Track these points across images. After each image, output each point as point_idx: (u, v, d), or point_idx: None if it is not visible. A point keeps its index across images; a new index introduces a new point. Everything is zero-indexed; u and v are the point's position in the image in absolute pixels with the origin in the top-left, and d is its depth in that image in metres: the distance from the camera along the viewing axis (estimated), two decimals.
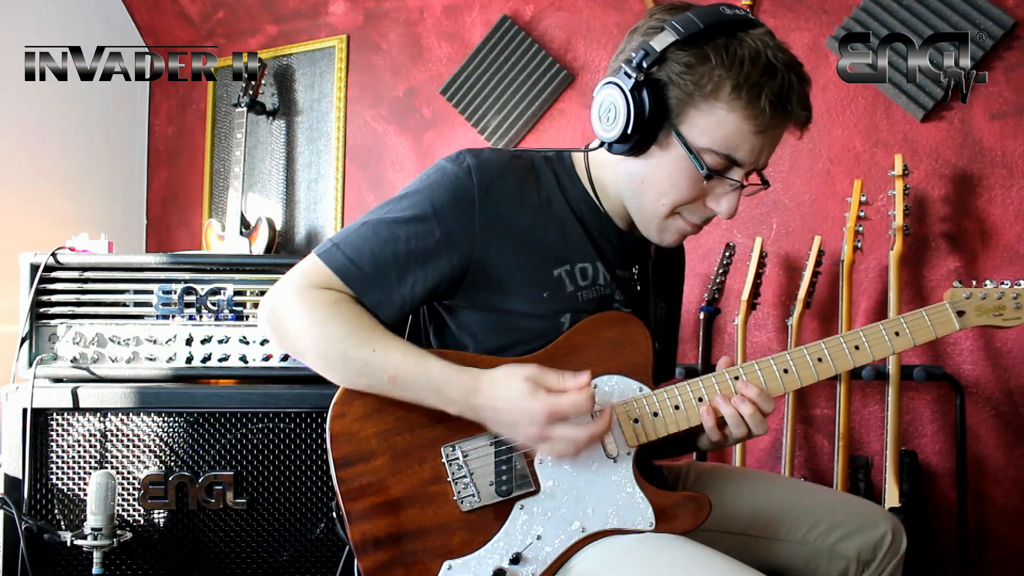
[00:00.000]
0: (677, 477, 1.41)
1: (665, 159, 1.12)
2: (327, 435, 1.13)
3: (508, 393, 1.07)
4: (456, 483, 1.12)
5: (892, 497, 2.03)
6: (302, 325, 1.11)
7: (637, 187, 1.16)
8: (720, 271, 2.40)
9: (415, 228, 1.13)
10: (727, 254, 2.40)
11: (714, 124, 1.08)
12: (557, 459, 1.11)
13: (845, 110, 2.35)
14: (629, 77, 1.08)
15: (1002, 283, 1.20)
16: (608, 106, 1.11)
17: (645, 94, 1.08)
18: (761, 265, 2.31)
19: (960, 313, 1.18)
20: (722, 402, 1.13)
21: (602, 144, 1.15)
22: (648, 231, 1.20)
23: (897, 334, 1.17)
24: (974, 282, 1.21)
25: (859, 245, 2.17)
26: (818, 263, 2.23)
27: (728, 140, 1.08)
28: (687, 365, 2.45)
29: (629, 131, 1.09)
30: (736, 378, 1.15)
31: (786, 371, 1.16)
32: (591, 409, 1.06)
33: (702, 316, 2.43)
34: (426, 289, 1.15)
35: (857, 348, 1.17)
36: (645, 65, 1.08)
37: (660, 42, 1.07)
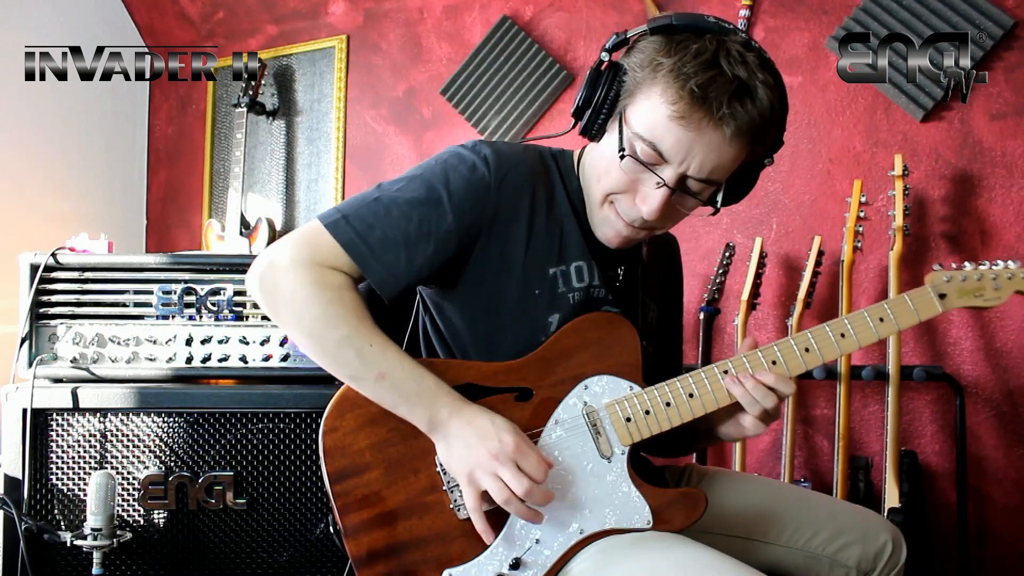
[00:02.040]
0: (679, 479, 1.41)
1: (608, 142, 1.14)
2: (320, 450, 1.12)
3: (492, 420, 1.08)
4: (452, 491, 1.12)
5: (892, 497, 2.02)
6: (300, 301, 1.10)
7: (589, 172, 1.19)
8: (720, 271, 2.40)
9: (427, 211, 1.12)
10: (727, 254, 2.40)
11: (646, 108, 1.08)
12: (472, 507, 1.07)
13: (845, 110, 2.35)
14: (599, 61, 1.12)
15: (980, 264, 1.21)
16: (580, 88, 1.15)
17: (602, 74, 1.11)
18: (761, 265, 2.31)
19: (942, 296, 1.19)
20: (732, 383, 1.14)
21: (574, 125, 1.17)
22: (593, 224, 1.20)
23: (881, 319, 1.18)
24: (954, 265, 1.22)
25: (859, 245, 2.17)
26: (818, 263, 2.23)
27: (654, 127, 1.07)
28: (687, 365, 2.44)
29: (580, 105, 1.13)
30: (725, 372, 1.16)
31: (774, 362, 1.16)
32: (543, 479, 1.06)
33: (702, 316, 2.43)
34: (431, 271, 1.15)
35: (843, 336, 1.17)
36: (609, 47, 1.11)
37: (633, 31, 1.11)
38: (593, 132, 1.14)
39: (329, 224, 1.12)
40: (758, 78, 1.05)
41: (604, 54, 1.11)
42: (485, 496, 1.07)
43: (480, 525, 1.08)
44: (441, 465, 1.12)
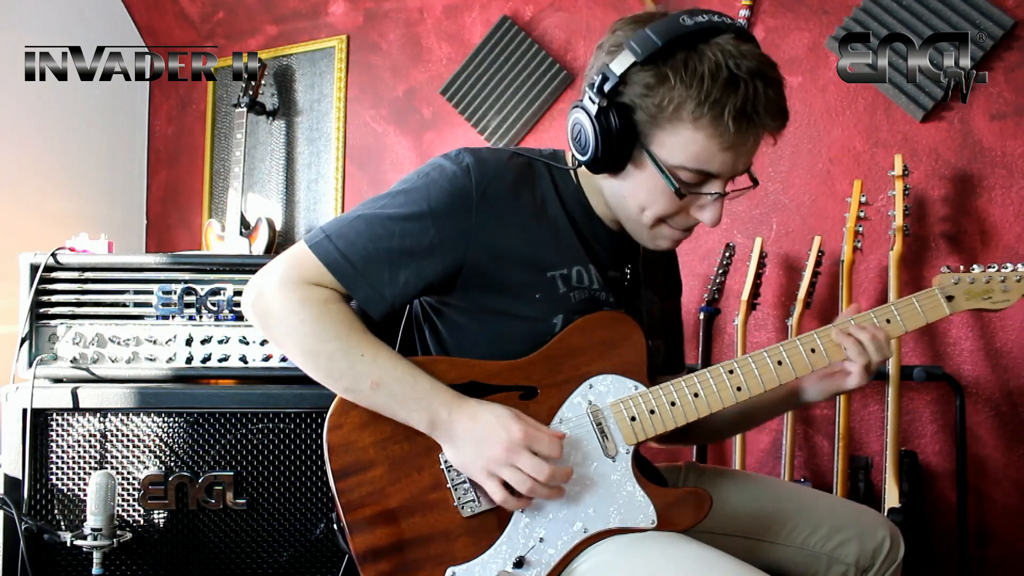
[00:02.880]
0: (676, 478, 1.41)
1: (641, 176, 1.12)
2: (324, 447, 1.12)
3: (493, 412, 1.08)
4: (456, 489, 1.11)
5: (892, 497, 2.03)
6: (290, 320, 1.10)
7: (621, 202, 1.17)
8: (720, 271, 2.40)
9: (410, 226, 1.12)
10: (727, 254, 2.40)
11: (682, 143, 1.07)
12: (502, 500, 1.08)
13: (845, 110, 2.35)
14: (593, 102, 1.08)
15: (989, 267, 1.21)
16: (578, 131, 1.12)
17: (611, 119, 1.07)
18: (761, 265, 2.31)
19: (949, 298, 1.19)
20: (843, 336, 1.17)
21: (581, 164, 1.15)
22: (641, 240, 1.21)
23: (888, 321, 1.18)
24: (961, 267, 1.22)
25: (859, 245, 2.17)
26: (818, 263, 2.23)
27: (698, 157, 1.07)
28: (687, 365, 2.44)
29: (600, 155, 1.10)
30: (731, 372, 1.16)
31: (780, 363, 1.16)
32: (559, 455, 1.07)
33: (702, 316, 2.43)
34: (417, 287, 1.15)
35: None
36: (606, 89, 1.07)
37: (620, 65, 1.06)
38: (613, 172, 1.14)
39: (313, 245, 1.13)
40: (764, 63, 1.06)
41: (600, 98, 1.07)
42: (505, 486, 1.07)
43: (514, 505, 1.08)
44: (445, 463, 1.12)
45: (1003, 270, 1.20)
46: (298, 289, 1.11)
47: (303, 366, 1.13)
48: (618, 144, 1.09)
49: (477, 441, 1.07)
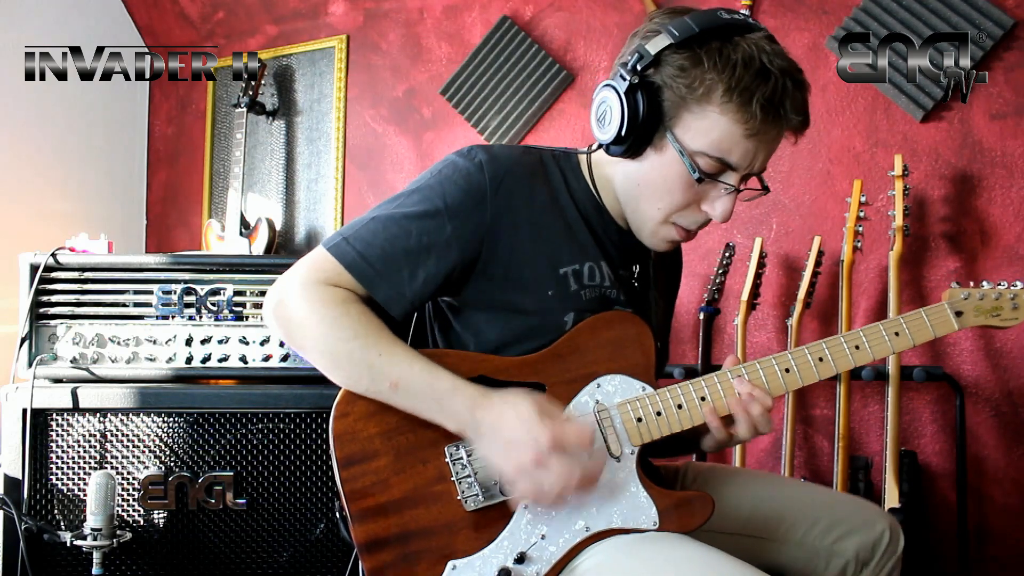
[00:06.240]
0: (675, 477, 1.41)
1: (660, 161, 1.13)
2: (330, 435, 1.12)
3: (518, 412, 1.06)
4: (460, 483, 1.11)
5: (892, 497, 2.03)
6: (310, 321, 1.10)
7: (633, 190, 1.18)
8: (720, 271, 2.40)
9: (426, 223, 1.13)
10: (727, 254, 2.40)
11: (707, 127, 1.09)
12: (534, 499, 1.07)
13: (845, 110, 2.35)
14: (624, 80, 1.10)
15: (999, 284, 1.21)
16: (604, 108, 1.13)
17: (639, 96, 1.10)
18: (761, 265, 2.31)
19: (958, 313, 1.19)
20: (726, 403, 1.15)
21: (601, 146, 1.16)
22: (641, 235, 1.21)
23: (897, 334, 1.18)
24: (971, 283, 1.22)
25: (859, 245, 2.17)
26: (818, 263, 2.23)
27: (721, 143, 1.09)
28: (687, 365, 2.45)
29: (623, 133, 1.11)
30: (738, 376, 1.16)
31: (788, 370, 1.16)
32: (590, 445, 1.06)
33: (702, 316, 2.43)
34: (436, 284, 1.15)
35: (857, 348, 1.17)
36: (639, 68, 1.10)
37: (655, 45, 1.09)
38: (632, 154, 1.14)
39: (331, 248, 1.13)
40: (794, 67, 1.09)
41: (632, 76, 1.09)
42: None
43: (553, 500, 1.06)
44: (451, 455, 1.12)
45: (1012, 288, 1.20)
46: (318, 290, 1.11)
47: (324, 368, 1.12)
48: (644, 123, 1.10)
49: (505, 444, 1.06)
